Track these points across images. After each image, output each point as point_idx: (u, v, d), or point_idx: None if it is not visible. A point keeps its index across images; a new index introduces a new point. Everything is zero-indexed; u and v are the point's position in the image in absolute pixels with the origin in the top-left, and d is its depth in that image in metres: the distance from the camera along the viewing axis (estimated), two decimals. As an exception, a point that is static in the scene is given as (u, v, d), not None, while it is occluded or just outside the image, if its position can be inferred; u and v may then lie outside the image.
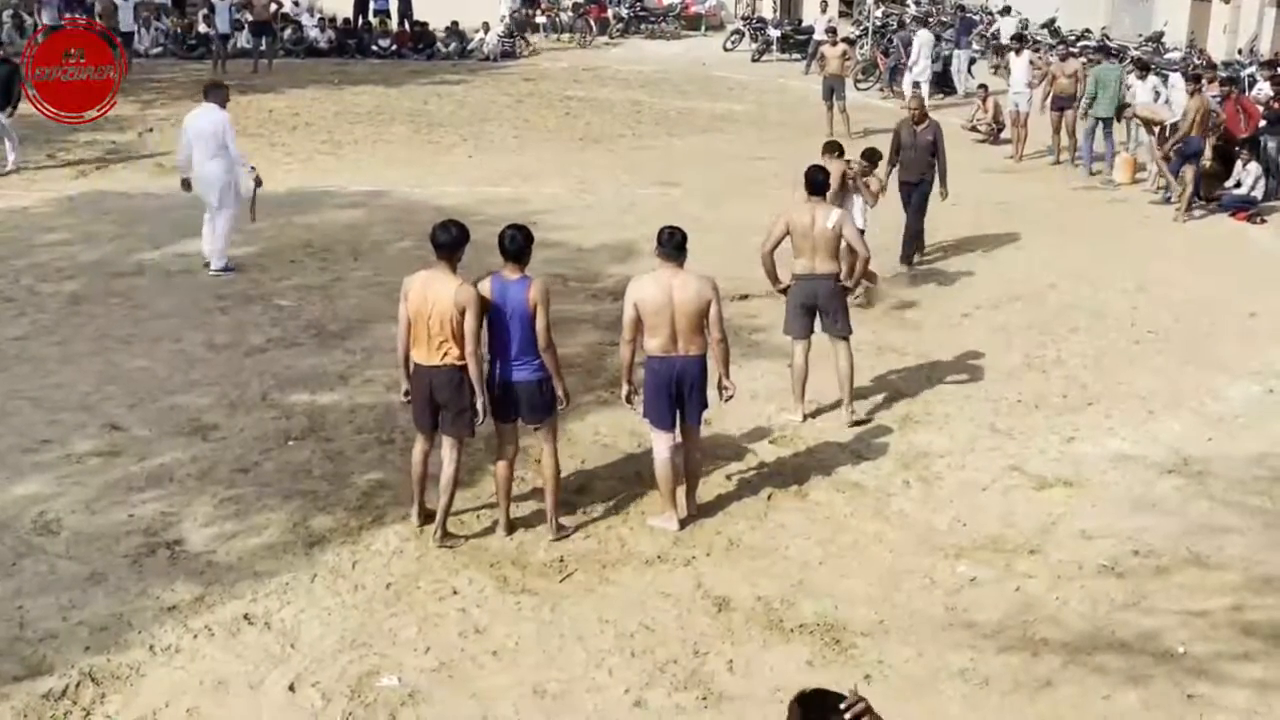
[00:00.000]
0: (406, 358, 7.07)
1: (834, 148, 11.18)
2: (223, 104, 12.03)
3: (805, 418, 9.13)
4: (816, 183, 9.02)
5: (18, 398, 9.12)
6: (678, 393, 7.32)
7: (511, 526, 7.39)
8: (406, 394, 7.21)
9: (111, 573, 6.84)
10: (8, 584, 6.69)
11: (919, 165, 12.78)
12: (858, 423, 9.06)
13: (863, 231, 10.25)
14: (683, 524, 7.55)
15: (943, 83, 24.77)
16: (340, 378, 9.70)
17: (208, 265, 12.22)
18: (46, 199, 15.03)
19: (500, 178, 16.76)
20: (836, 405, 9.30)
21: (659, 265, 7.31)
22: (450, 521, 7.35)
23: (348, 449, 8.47)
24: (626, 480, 8.08)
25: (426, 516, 7.35)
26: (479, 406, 6.94)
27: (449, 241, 6.92)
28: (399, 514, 7.48)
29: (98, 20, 24.37)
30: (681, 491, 7.63)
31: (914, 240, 13.04)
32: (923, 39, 22.77)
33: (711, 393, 7.52)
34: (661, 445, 7.46)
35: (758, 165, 17.68)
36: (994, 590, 6.93)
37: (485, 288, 6.91)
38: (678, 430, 7.50)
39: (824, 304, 9.03)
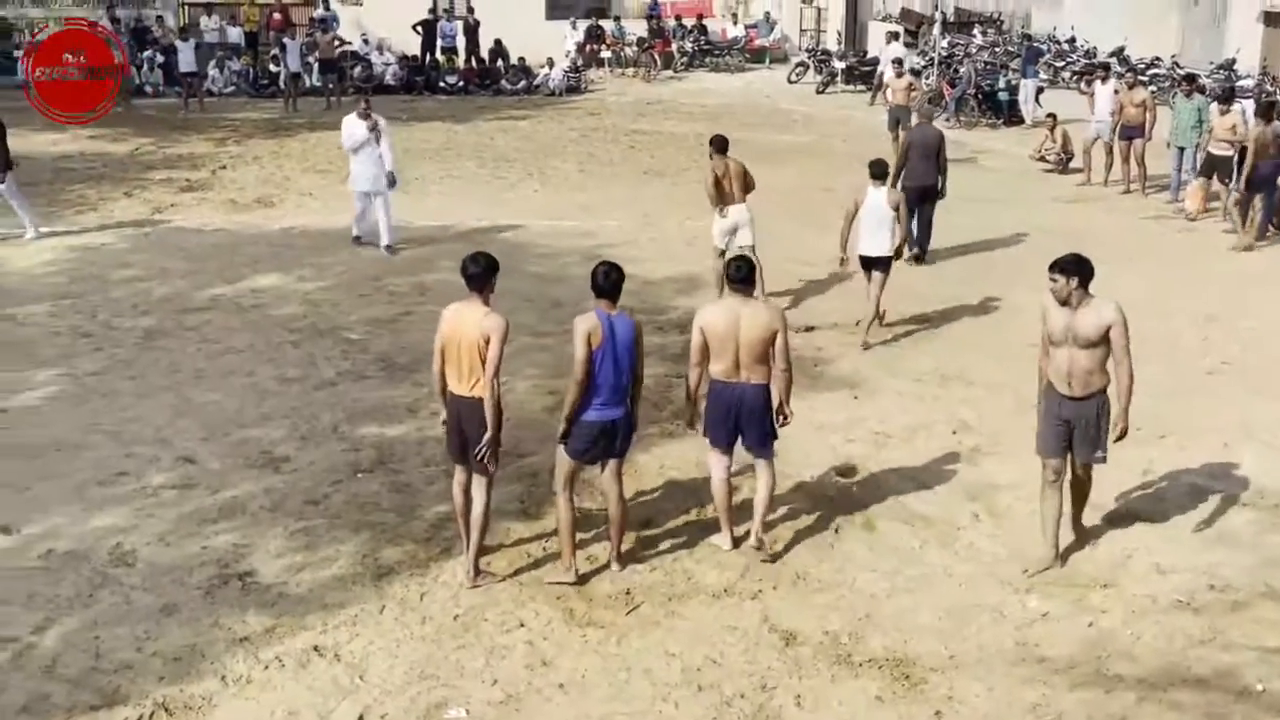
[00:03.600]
0: (443, 387, 7.09)
1: (879, 167, 11.57)
2: (365, 115, 14.25)
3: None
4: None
5: (95, 431, 9.31)
6: (737, 419, 7.41)
7: (576, 563, 7.40)
8: (445, 422, 7.22)
9: (185, 604, 6.95)
10: (84, 615, 6.82)
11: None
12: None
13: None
14: (736, 542, 7.62)
15: (1010, 112, 24.65)
16: (409, 410, 9.80)
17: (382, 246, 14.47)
18: (123, 235, 15.37)
19: (565, 211, 16.88)
20: (904, 435, 9.24)
21: (728, 294, 7.45)
22: (514, 553, 7.39)
23: (416, 481, 8.55)
24: (691, 514, 8.08)
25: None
26: (485, 439, 6.88)
27: (479, 273, 6.95)
28: (495, 544, 7.49)
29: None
30: (737, 517, 7.71)
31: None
32: (891, 51, 25.43)
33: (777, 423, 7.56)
34: (718, 466, 7.56)
35: (822, 196, 17.64)
36: (1066, 625, 6.83)
37: (593, 322, 6.91)
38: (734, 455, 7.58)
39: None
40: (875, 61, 28.63)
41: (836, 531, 7.90)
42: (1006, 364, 10.91)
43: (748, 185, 12.25)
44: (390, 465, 8.80)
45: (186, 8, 34.32)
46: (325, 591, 7.12)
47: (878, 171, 11.37)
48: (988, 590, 7.20)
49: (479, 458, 6.96)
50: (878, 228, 11.22)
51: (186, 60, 26.28)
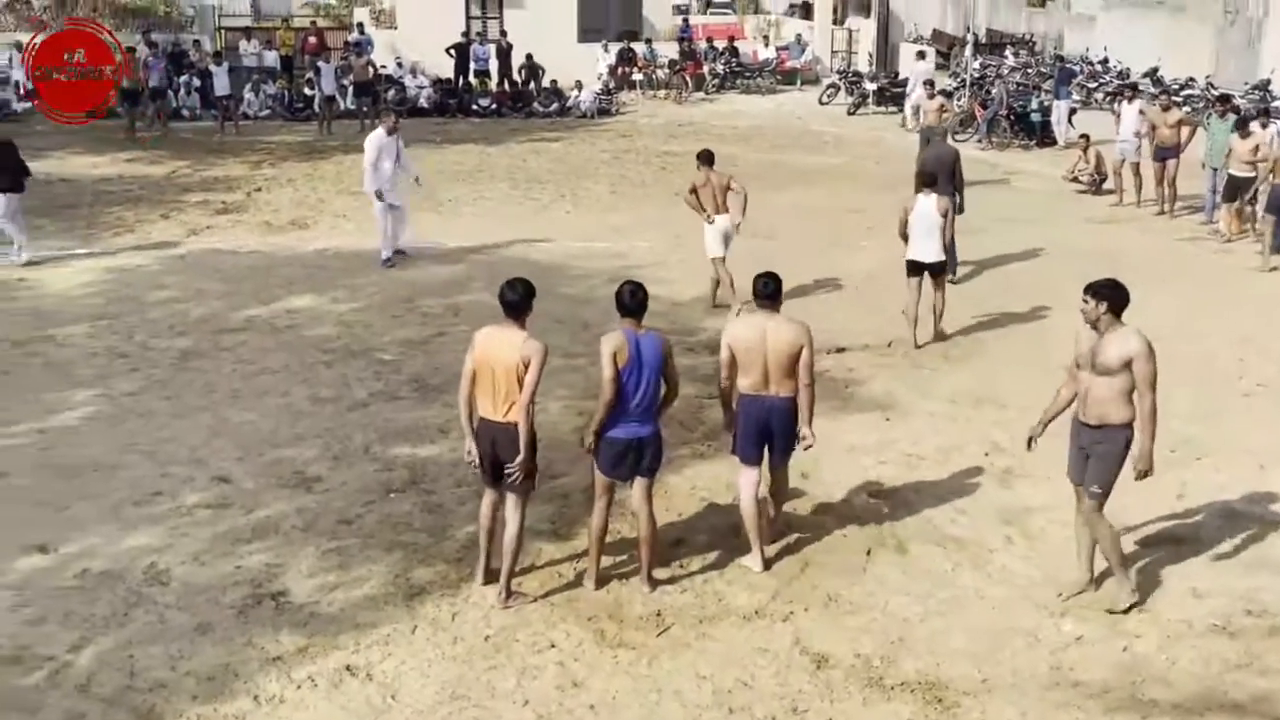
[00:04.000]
0: (470, 412, 7.08)
1: (929, 175, 12.15)
2: (390, 130, 15.00)
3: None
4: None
5: (131, 451, 9.40)
6: (767, 431, 7.54)
7: (603, 579, 7.41)
8: (470, 453, 7.17)
9: (219, 623, 7.00)
10: (119, 634, 6.88)
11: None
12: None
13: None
14: (767, 564, 7.64)
15: (1043, 133, 24.57)
16: (441, 431, 9.84)
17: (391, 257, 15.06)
18: (159, 257, 15.52)
19: (597, 233, 16.94)
20: (937, 457, 9.21)
21: (755, 310, 7.57)
22: (545, 574, 7.40)
23: (448, 502, 8.58)
24: (723, 534, 8.07)
25: (490, 575, 7.35)
26: (518, 461, 6.91)
27: (517, 299, 6.99)
28: (498, 567, 7.52)
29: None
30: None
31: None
32: (919, 70, 26.42)
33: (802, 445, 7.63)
34: (747, 484, 7.65)
35: (854, 217, 17.65)
36: (1101, 649, 6.78)
37: (619, 341, 6.96)
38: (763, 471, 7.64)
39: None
40: (906, 82, 28.60)
41: (868, 554, 7.88)
42: (1040, 385, 10.81)
43: (738, 193, 12.93)
44: (422, 486, 8.85)
45: (224, 32, 34.76)
46: (357, 611, 7.15)
47: (928, 180, 11.94)
48: (1021, 614, 7.16)
49: (511, 480, 6.98)
50: (927, 234, 11.69)
51: (222, 84, 26.57)
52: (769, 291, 7.53)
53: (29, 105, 28.45)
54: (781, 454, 7.69)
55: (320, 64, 27.14)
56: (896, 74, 31.62)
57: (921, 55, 28.75)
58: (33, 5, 35.45)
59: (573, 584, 7.45)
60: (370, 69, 27.63)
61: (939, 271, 11.92)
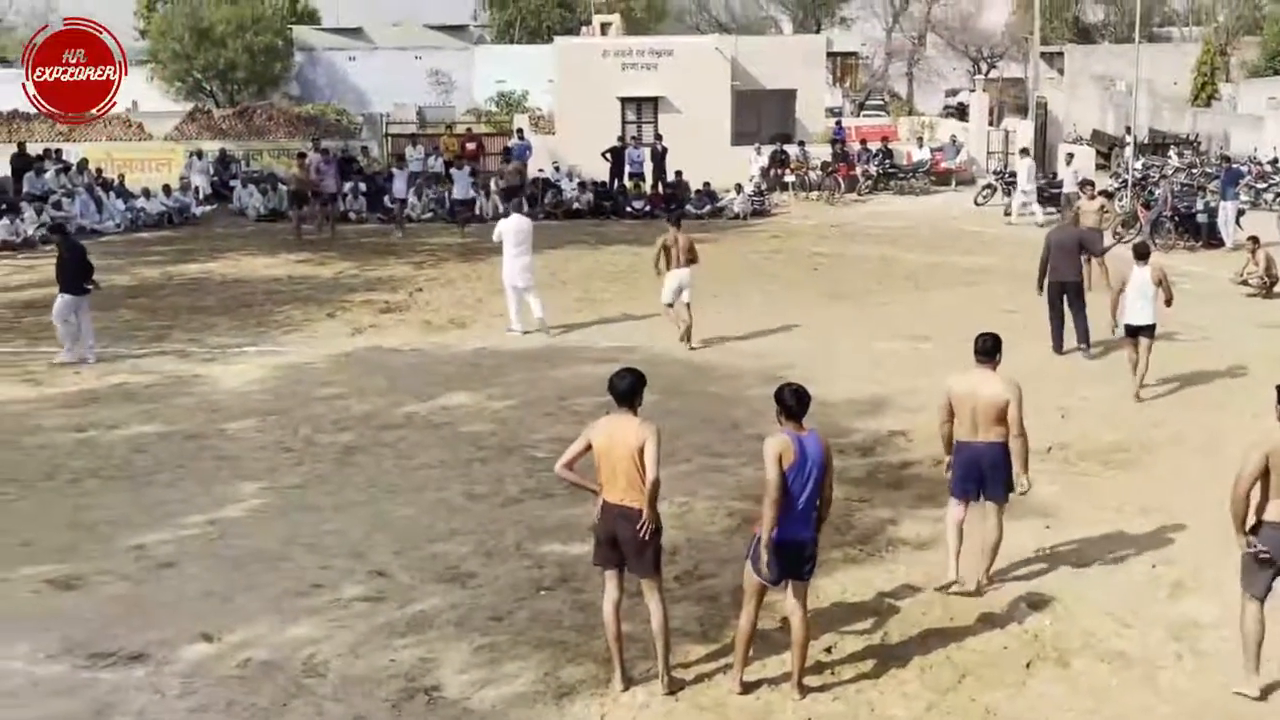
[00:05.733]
0: (573, 480, 7.34)
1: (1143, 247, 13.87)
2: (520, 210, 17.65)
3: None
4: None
5: (294, 544, 9.68)
6: (978, 473, 8.45)
7: (752, 685, 7.31)
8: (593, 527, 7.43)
9: (373, 715, 7.10)
10: (279, 722, 7.03)
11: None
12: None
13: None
14: (979, 591, 8.44)
15: (1209, 234, 23.90)
16: (591, 530, 9.87)
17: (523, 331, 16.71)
18: (325, 355, 16.08)
19: (748, 332, 16.97)
20: (1101, 567, 8.91)
21: (975, 365, 8.54)
22: (692, 675, 7.32)
23: (598, 600, 8.53)
24: (875, 641, 7.90)
25: (628, 680, 7.32)
26: (645, 516, 6.99)
27: (625, 389, 7.19)
28: (646, 667, 7.49)
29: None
30: (974, 561, 8.65)
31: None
32: (1025, 166, 28.13)
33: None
34: (952, 515, 8.63)
35: (1009, 319, 17.29)
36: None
37: (784, 443, 6.97)
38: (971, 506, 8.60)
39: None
40: (1063, 183, 28.22)
41: (1028, 666, 7.62)
42: (1210, 495, 10.41)
43: (692, 255, 15.78)
44: (572, 584, 8.89)
45: (390, 139, 36.23)
46: (508, 708, 7.18)
47: (1142, 251, 13.70)
48: (1193, 735, 6.82)
49: (643, 535, 7.03)
50: (1140, 299, 13.30)
51: (399, 188, 27.84)
52: (987, 349, 8.51)
53: (209, 209, 30.13)
54: (998, 493, 8.50)
55: (454, 170, 28.22)
56: (1054, 174, 31.22)
57: (1070, 157, 28.37)
58: (213, 116, 37.53)
59: (720, 688, 7.36)
60: (519, 175, 28.58)
61: (1150, 334, 13.37)
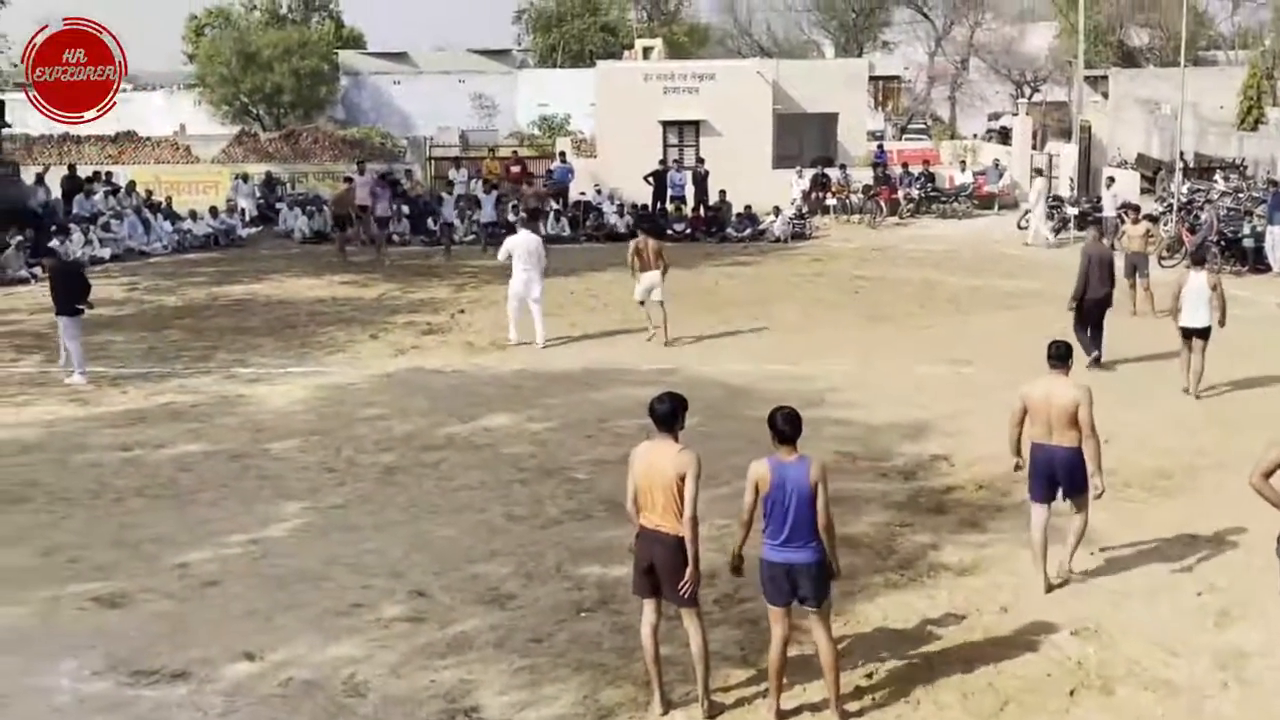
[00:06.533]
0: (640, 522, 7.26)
1: (1202, 252, 14.54)
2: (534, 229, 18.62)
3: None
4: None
5: (336, 563, 9.74)
6: (1052, 474, 8.89)
7: (792, 711, 7.27)
8: (632, 549, 7.38)
9: (413, 736, 7.12)
10: (319, 741, 7.07)
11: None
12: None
13: None
14: (1049, 587, 8.91)
15: (1256, 259, 23.65)
16: (631, 551, 9.85)
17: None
18: (368, 376, 16.20)
19: (788, 356, 16.94)
20: (1145, 595, 8.80)
21: (1049, 372, 9.02)
22: (732, 699, 7.29)
23: (637, 623, 8.51)
24: (915, 665, 7.85)
25: (667, 704, 7.31)
26: (689, 575, 6.97)
27: (666, 413, 7.18)
28: (686, 690, 7.47)
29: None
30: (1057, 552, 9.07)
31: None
32: (1038, 187, 28.45)
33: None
34: (1036, 517, 8.97)
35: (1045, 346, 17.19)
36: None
37: (761, 470, 7.04)
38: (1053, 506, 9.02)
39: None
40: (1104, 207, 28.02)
41: (1071, 694, 7.54)
42: (1256, 523, 10.29)
43: (662, 260, 17.50)
44: (612, 606, 8.88)
45: (433, 162, 36.54)
46: (547, 731, 7.18)
47: (1199, 257, 14.97)
48: (1240, 766, 6.72)
49: (684, 594, 7.00)
50: (1198, 303, 14.09)
51: (449, 211, 28.16)
52: (1060, 354, 9.06)
53: (255, 231, 30.50)
54: (1075, 493, 8.94)
55: (480, 194, 28.49)
56: (1098, 198, 30.99)
57: (1111, 181, 28.17)
58: (260, 139, 37.97)
59: (760, 712, 7.32)
60: (539, 199, 28.90)
61: (1205, 336, 14.05)
